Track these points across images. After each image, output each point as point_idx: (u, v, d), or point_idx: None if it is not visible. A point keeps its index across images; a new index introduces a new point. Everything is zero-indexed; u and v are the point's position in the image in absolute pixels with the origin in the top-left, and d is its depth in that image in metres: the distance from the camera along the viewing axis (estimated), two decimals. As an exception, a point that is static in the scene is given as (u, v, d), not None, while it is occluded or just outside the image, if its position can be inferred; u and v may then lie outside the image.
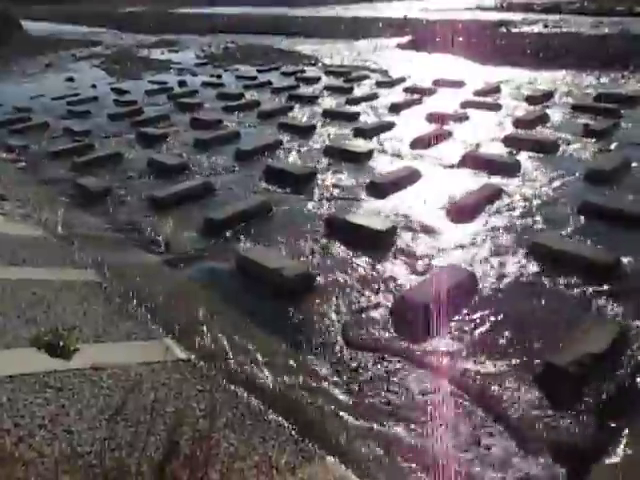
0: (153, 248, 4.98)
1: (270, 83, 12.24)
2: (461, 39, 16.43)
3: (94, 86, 13.25)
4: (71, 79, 14.45)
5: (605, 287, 3.93)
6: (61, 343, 3.18)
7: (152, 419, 2.78)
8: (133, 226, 5.46)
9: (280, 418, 2.91)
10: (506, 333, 3.52)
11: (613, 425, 2.80)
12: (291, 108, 9.95)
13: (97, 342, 3.51)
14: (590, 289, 3.93)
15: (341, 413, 2.97)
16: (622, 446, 2.68)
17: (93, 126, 9.44)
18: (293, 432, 2.81)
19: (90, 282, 4.29)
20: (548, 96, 9.72)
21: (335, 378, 3.25)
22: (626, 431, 2.76)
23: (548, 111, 8.69)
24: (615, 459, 2.62)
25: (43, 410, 2.65)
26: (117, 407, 2.81)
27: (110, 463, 2.45)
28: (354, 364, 3.36)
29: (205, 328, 3.72)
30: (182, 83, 12.97)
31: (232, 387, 3.13)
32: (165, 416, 2.83)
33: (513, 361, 3.28)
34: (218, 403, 2.98)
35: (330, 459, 2.65)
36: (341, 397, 3.09)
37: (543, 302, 3.84)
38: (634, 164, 6.23)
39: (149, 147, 8.05)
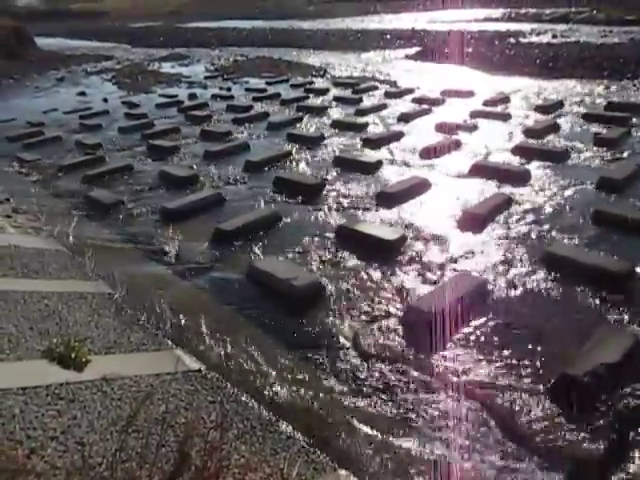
0: (164, 259, 5.00)
1: (279, 95, 12.32)
2: (469, 50, 16.48)
3: (105, 100, 13.42)
4: (83, 93, 14.65)
5: (619, 296, 3.88)
6: (73, 355, 3.19)
7: (163, 430, 2.77)
8: (144, 237, 5.49)
9: (291, 429, 2.89)
10: (519, 343, 3.48)
11: (629, 435, 2.75)
12: (300, 119, 10.00)
13: (108, 354, 3.52)
14: (604, 298, 3.88)
15: (353, 424, 2.94)
16: (636, 454, 2.63)
17: (104, 139, 9.54)
18: (305, 444, 2.79)
19: (101, 294, 4.31)
20: (558, 105, 9.70)
21: (346, 388, 3.22)
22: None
23: (558, 120, 8.66)
24: (632, 469, 2.57)
25: (55, 422, 2.65)
26: (128, 418, 2.81)
27: (121, 474, 2.44)
28: (365, 374, 3.33)
29: (216, 338, 3.72)
30: (192, 96, 13.10)
31: (243, 398, 3.12)
32: (176, 427, 2.82)
33: (526, 371, 3.24)
34: (229, 414, 2.97)
35: (342, 471, 2.62)
36: (353, 407, 3.07)
37: (556, 311, 3.80)
38: (646, 173, 6.18)
39: (160, 159, 8.11)
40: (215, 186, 6.79)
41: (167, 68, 18.94)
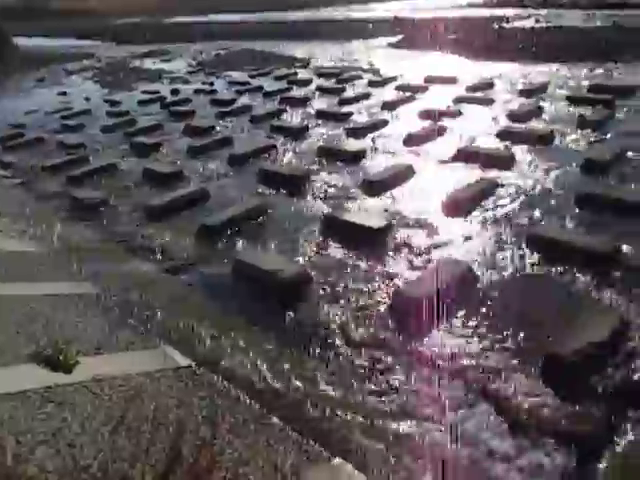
0: (150, 257, 4.97)
1: (262, 87, 12.25)
2: (452, 36, 16.45)
3: (87, 99, 13.26)
4: (64, 93, 14.46)
5: (605, 276, 3.91)
6: (61, 357, 3.16)
7: (154, 428, 2.76)
8: (129, 236, 5.45)
9: (284, 421, 2.89)
10: (507, 325, 3.50)
11: (618, 411, 2.78)
12: (283, 111, 9.95)
13: (97, 354, 3.50)
14: (590, 279, 3.91)
15: (344, 413, 2.95)
16: (628, 431, 2.66)
17: (87, 139, 9.44)
18: (297, 435, 2.79)
19: (88, 294, 4.28)
20: (542, 89, 9.70)
21: (336, 377, 3.23)
22: (629, 416, 2.75)
23: (542, 104, 8.67)
24: (621, 445, 2.60)
25: (44, 425, 2.63)
26: (119, 418, 2.79)
27: (113, 475, 2.43)
28: (355, 362, 3.34)
29: (204, 334, 3.71)
30: (174, 91, 12.98)
31: (234, 392, 3.12)
32: (168, 424, 2.81)
33: (515, 352, 3.27)
34: (220, 409, 2.96)
35: (336, 460, 2.63)
36: (343, 396, 3.07)
37: (543, 293, 3.83)
38: (630, 154, 6.20)
39: (143, 157, 8.05)
40: (200, 181, 6.75)
41: (149, 64, 18.74)
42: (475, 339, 3.42)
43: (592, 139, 6.87)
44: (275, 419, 2.91)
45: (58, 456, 2.44)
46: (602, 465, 2.51)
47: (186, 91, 12.90)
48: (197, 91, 12.73)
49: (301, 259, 4.61)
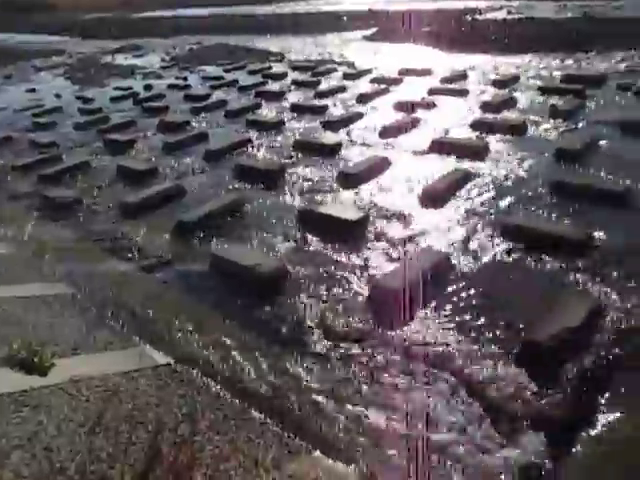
0: (126, 255, 4.91)
1: (237, 82, 12.15)
2: (426, 28, 16.50)
3: (58, 96, 12.98)
4: (33, 90, 14.14)
5: (578, 262, 3.99)
6: (36, 359, 3.11)
7: (133, 428, 2.74)
8: (104, 234, 5.37)
9: (264, 416, 2.88)
10: (483, 312, 3.55)
11: (593, 395, 2.84)
12: (259, 105, 9.88)
13: (74, 355, 3.45)
14: (564, 265, 3.98)
15: (325, 405, 2.96)
16: (602, 414, 2.72)
17: (59, 137, 9.24)
18: (278, 429, 2.79)
19: (63, 295, 4.21)
20: (515, 80, 9.81)
21: (316, 370, 3.23)
22: (605, 399, 2.81)
23: (515, 94, 8.76)
24: (596, 428, 2.65)
25: (20, 429, 2.58)
26: (96, 419, 2.76)
27: (92, 476, 2.40)
28: (334, 354, 3.35)
29: (183, 331, 3.68)
30: (148, 87, 12.79)
31: (214, 389, 3.10)
32: (147, 423, 2.79)
33: (492, 339, 3.31)
34: (200, 406, 2.94)
35: (317, 453, 2.63)
36: (323, 389, 3.08)
37: (519, 280, 3.88)
38: (602, 142, 6.32)
39: (117, 154, 7.92)
40: (175, 177, 6.67)
41: (121, 60, 18.42)
42: (452, 327, 3.46)
43: (564, 128, 6.98)
44: (256, 414, 2.90)
45: (34, 460, 2.40)
46: (577, 448, 2.56)
47: (159, 86, 12.72)
48: (171, 86, 12.56)
49: (278, 253, 4.60)
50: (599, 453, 2.53)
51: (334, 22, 22.01)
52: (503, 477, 2.45)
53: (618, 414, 2.71)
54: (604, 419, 2.70)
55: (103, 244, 5.20)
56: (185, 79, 13.42)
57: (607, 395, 2.84)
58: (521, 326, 3.37)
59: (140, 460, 2.48)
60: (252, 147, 7.53)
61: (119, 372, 3.24)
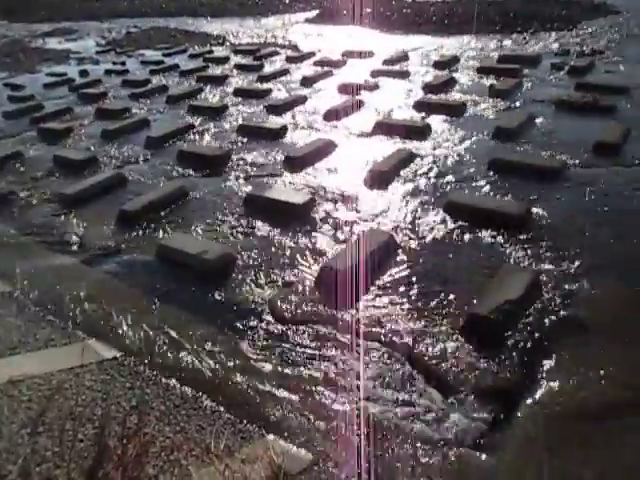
0: (67, 248, 4.72)
1: (177, 66, 11.80)
2: (368, 10, 16.51)
3: (-16, 84, 12.27)
4: (-45, 78, 13.29)
5: (518, 237, 4.14)
6: (-29, 362, 2.97)
7: (79, 425, 2.67)
8: (44, 228, 5.14)
9: (216, 404, 2.87)
10: (429, 289, 3.64)
11: (534, 363, 2.97)
12: (201, 90, 9.64)
13: (13, 354, 3.32)
14: (504, 240, 4.12)
15: (276, 390, 2.96)
16: (543, 382, 2.85)
17: (-13, 127, 8.76)
18: (230, 416, 2.78)
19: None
20: (455, 61, 9.99)
21: (266, 355, 3.23)
22: (547, 367, 2.94)
23: (455, 75, 8.93)
24: (538, 393, 2.78)
25: (-44, 436, 2.48)
26: (40, 419, 2.68)
27: (37, 478, 2.33)
28: (284, 339, 3.36)
29: (130, 323, 3.59)
30: (83, 73, 12.24)
31: (163, 379, 3.06)
32: (93, 419, 2.72)
33: (438, 315, 3.40)
34: (149, 397, 2.90)
35: (269, 437, 2.65)
36: (274, 373, 3.09)
37: (462, 257, 3.99)
38: (538, 120, 6.54)
39: (53, 143, 7.57)
40: (116, 166, 6.45)
41: (53, 44, 17.52)
42: (399, 305, 3.53)
43: (502, 107, 7.18)
44: (207, 402, 2.89)
45: (-26, 466, 2.32)
46: (520, 414, 2.68)
47: (96, 72, 12.20)
48: (108, 72, 12.06)
49: (225, 240, 4.54)
50: (541, 417, 2.65)
51: (276, 4, 21.68)
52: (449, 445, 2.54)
53: (558, 381, 2.85)
54: (545, 385, 2.83)
55: (42, 238, 4.98)
56: (123, 64, 12.93)
57: (548, 362, 2.97)
58: (465, 301, 3.47)
59: (88, 457, 2.43)
60: (195, 133, 7.36)
61: (63, 369, 3.15)
